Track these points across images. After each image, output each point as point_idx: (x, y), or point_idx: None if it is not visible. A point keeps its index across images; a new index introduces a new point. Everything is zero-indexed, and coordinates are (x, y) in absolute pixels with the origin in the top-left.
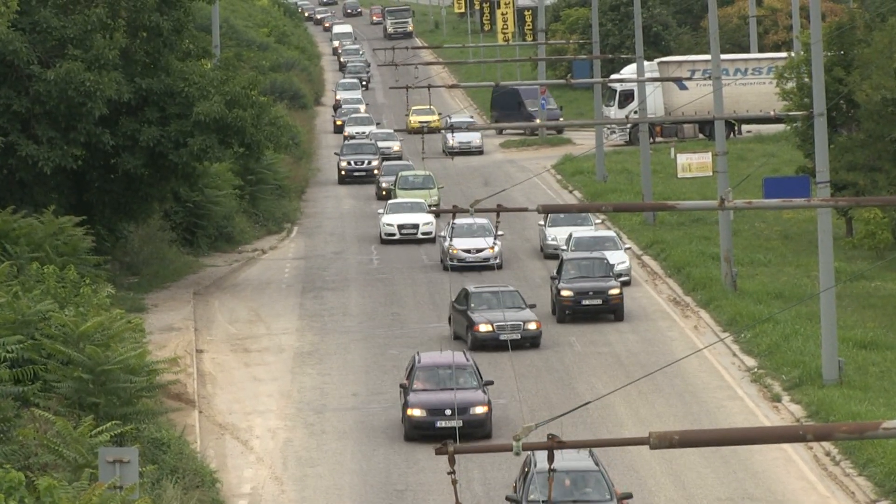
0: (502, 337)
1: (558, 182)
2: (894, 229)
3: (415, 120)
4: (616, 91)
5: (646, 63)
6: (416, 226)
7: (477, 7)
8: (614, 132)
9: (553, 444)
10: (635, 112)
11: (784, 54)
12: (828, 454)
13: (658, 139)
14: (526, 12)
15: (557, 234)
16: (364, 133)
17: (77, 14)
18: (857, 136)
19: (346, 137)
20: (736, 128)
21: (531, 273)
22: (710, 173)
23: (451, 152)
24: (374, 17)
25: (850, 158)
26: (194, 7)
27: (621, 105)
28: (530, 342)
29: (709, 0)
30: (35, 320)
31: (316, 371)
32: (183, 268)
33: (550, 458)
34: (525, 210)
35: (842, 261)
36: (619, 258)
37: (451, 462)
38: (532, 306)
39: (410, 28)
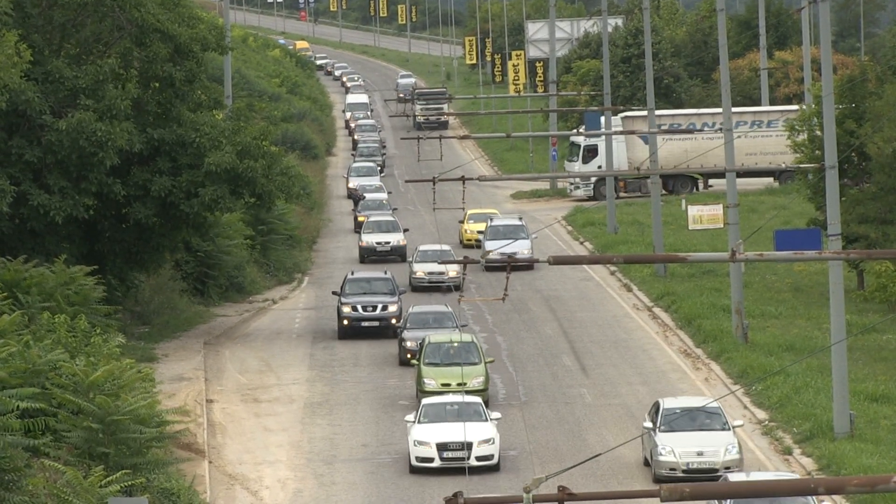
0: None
1: (569, 233)
2: None
3: (471, 230)
4: (580, 146)
5: (612, 118)
6: (467, 447)
7: (488, 59)
8: (578, 187)
9: (563, 496)
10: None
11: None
12: None
13: (622, 194)
14: (537, 64)
15: (675, 448)
16: (387, 243)
17: (90, 64)
18: (869, 188)
19: (362, 251)
20: (699, 182)
21: None
22: (721, 225)
23: (491, 266)
24: None
25: (861, 211)
26: (206, 58)
27: (585, 160)
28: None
29: (720, 53)
30: (46, 370)
31: (326, 421)
32: (193, 318)
33: None
34: (536, 261)
35: (853, 313)
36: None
37: None
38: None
39: (445, 118)
